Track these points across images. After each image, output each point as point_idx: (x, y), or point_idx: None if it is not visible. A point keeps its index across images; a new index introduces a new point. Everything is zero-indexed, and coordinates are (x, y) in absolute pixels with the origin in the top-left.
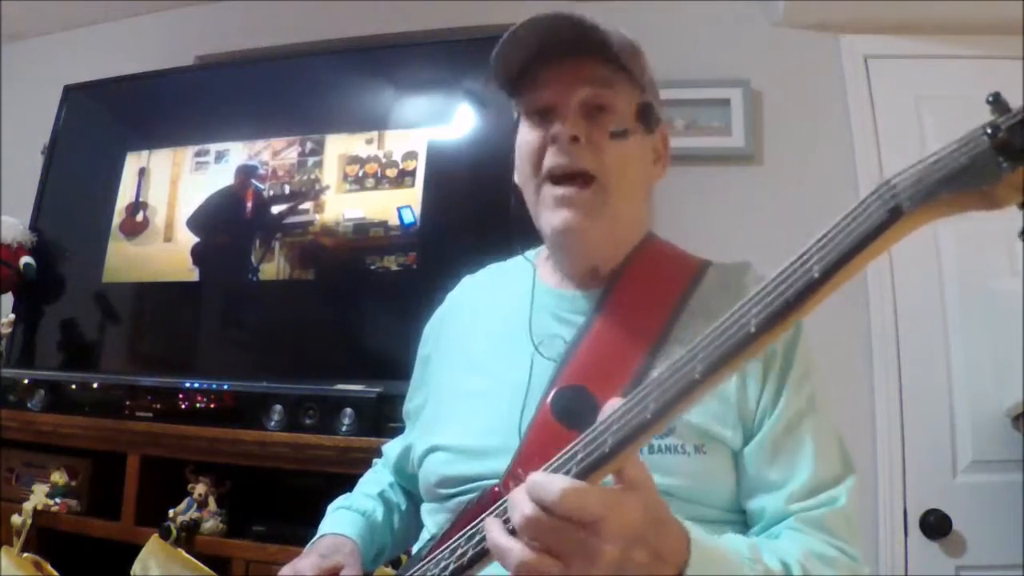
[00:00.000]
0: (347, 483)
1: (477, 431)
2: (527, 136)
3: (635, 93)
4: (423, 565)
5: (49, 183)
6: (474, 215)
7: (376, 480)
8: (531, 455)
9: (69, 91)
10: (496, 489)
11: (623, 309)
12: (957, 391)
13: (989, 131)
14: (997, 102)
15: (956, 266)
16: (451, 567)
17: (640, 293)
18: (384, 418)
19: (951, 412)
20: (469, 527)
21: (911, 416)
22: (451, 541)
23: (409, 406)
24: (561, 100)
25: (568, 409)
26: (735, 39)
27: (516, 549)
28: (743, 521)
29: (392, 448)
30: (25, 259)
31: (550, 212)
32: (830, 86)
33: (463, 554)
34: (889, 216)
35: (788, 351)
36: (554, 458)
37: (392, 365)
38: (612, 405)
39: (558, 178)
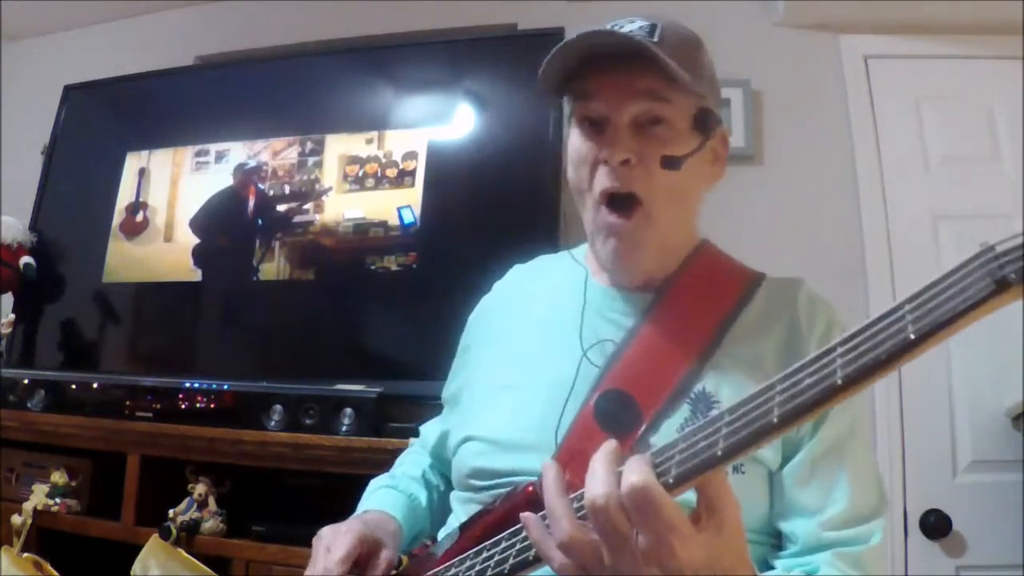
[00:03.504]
0: (347, 483)
1: (512, 424)
2: (578, 145)
3: (692, 101)
4: (452, 568)
5: (49, 183)
6: (474, 215)
7: (416, 462)
8: (568, 456)
9: (69, 91)
10: (530, 489)
11: (673, 316)
12: (957, 391)
13: None
14: None
15: None
16: (494, 569)
17: (691, 301)
18: (384, 418)
19: (951, 412)
20: (507, 533)
21: (911, 416)
22: (483, 546)
23: (446, 392)
24: (612, 114)
25: (610, 413)
26: (735, 39)
27: (557, 557)
28: (774, 544)
29: (430, 431)
30: (25, 259)
31: (602, 239)
32: (830, 86)
33: (502, 561)
34: (996, 288)
35: None
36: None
37: (392, 365)
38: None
39: (609, 200)
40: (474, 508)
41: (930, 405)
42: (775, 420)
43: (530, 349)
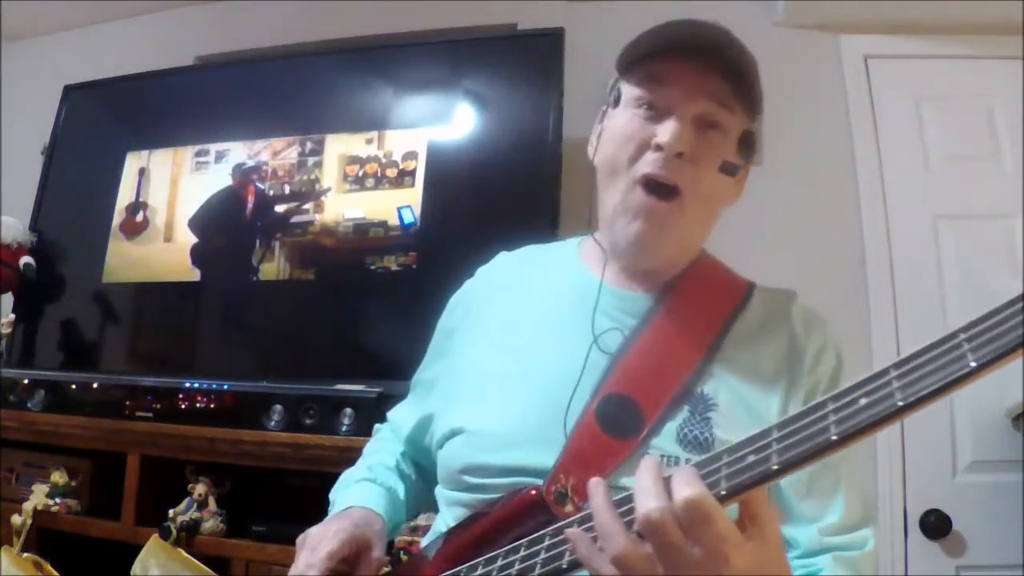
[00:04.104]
0: None
1: (512, 417)
2: (629, 125)
3: (744, 120)
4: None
5: (49, 183)
6: (474, 215)
7: (389, 451)
8: (573, 460)
9: (69, 91)
10: (533, 492)
11: (675, 319)
12: (957, 391)
13: None
14: None
15: (956, 266)
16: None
17: (693, 305)
18: (384, 418)
19: (951, 412)
20: (526, 540)
21: (911, 416)
22: (496, 553)
23: (422, 375)
24: (680, 105)
25: (613, 417)
26: None
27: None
28: None
29: (404, 417)
30: (25, 259)
31: (628, 219)
32: (830, 86)
33: (527, 569)
34: None
35: (830, 389)
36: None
37: (392, 365)
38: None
39: (647, 184)
40: (462, 510)
41: (930, 405)
42: (834, 437)
43: (530, 339)
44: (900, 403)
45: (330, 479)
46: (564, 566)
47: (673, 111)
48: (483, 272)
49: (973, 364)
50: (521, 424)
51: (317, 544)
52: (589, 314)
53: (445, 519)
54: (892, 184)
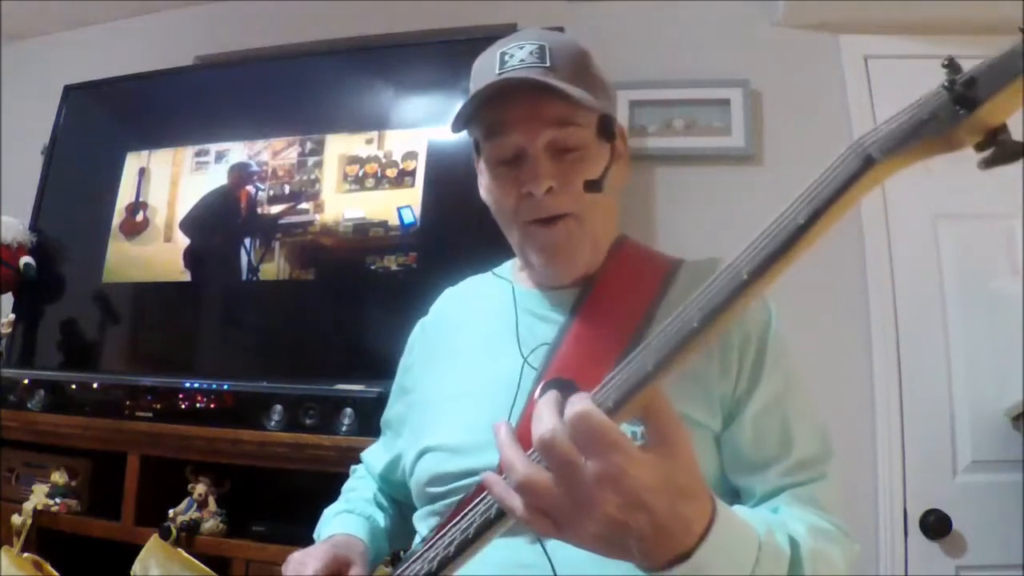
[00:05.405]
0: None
1: (466, 428)
2: (495, 180)
3: (593, 113)
4: (424, 551)
5: (49, 183)
6: (474, 215)
7: (366, 486)
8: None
9: (69, 91)
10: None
11: (603, 306)
12: (957, 391)
13: (946, 85)
14: (951, 65)
15: (956, 266)
16: (456, 541)
17: (618, 290)
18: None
19: (951, 412)
20: (469, 508)
21: (911, 416)
22: (451, 523)
23: (389, 414)
24: (528, 144)
25: None
26: (735, 39)
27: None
28: (729, 502)
29: (376, 457)
30: (25, 259)
31: (536, 252)
32: (830, 86)
33: (466, 529)
34: (862, 164)
35: (761, 336)
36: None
37: (392, 365)
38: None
39: (539, 222)
40: (435, 519)
41: (930, 405)
42: (696, 324)
43: (474, 359)
44: (745, 276)
45: (330, 479)
46: (492, 516)
47: (525, 153)
48: (434, 309)
49: (802, 221)
50: (471, 434)
51: (300, 566)
52: (517, 322)
53: (421, 535)
54: (892, 184)
